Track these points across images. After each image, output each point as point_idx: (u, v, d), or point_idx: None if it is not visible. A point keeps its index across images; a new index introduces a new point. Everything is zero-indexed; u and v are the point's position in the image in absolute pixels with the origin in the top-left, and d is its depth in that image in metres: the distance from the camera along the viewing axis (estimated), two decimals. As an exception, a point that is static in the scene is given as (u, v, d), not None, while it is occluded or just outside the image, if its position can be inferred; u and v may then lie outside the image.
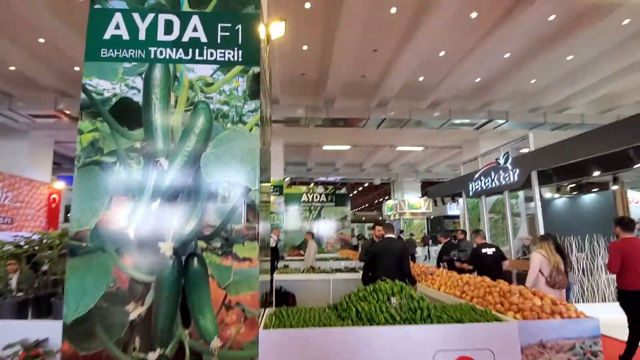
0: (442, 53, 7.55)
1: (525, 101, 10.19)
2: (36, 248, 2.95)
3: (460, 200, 11.35)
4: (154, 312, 2.31)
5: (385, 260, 4.23)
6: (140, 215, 2.39)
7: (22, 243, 2.86)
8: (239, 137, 2.53)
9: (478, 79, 8.82)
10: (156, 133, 2.49)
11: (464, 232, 7.41)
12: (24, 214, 11.55)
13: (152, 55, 2.58)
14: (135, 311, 2.30)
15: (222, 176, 2.47)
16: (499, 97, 9.71)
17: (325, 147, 13.89)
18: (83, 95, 2.49)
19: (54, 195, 12.85)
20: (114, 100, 2.51)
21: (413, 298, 2.72)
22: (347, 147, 13.63)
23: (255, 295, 2.38)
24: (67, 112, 8.62)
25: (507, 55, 7.71)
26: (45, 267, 2.97)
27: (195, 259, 2.40)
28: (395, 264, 4.16)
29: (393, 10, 6.08)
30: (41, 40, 6.88)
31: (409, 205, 19.64)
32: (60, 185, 12.86)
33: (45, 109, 8.77)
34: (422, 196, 20.54)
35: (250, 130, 2.55)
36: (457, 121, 9.63)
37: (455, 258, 5.40)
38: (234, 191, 2.48)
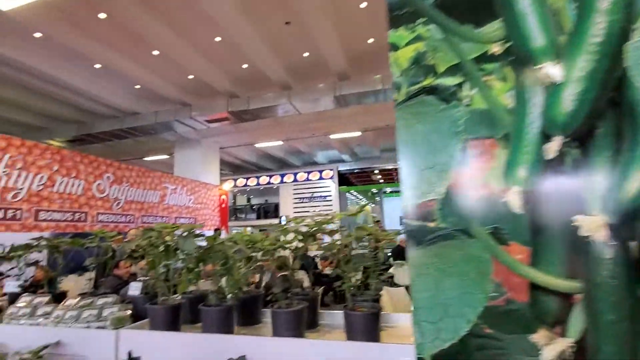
0: None
1: None
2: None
3: None
4: (590, 349, 1.19)
5: None
6: (525, 168, 1.31)
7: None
8: None
9: None
10: (526, 24, 1.36)
11: None
12: (203, 214, 12.87)
13: None
14: (551, 346, 1.22)
15: (688, 79, 1.19)
16: None
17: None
18: (389, -10, 1.56)
19: (223, 197, 14.12)
20: (440, -14, 1.51)
21: None
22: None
23: None
24: (237, 111, 8.98)
25: None
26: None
27: (664, 248, 1.18)
28: None
29: None
30: (218, 38, 7.04)
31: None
32: (227, 186, 14.11)
33: (218, 112, 9.32)
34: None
35: None
36: None
37: None
38: None
